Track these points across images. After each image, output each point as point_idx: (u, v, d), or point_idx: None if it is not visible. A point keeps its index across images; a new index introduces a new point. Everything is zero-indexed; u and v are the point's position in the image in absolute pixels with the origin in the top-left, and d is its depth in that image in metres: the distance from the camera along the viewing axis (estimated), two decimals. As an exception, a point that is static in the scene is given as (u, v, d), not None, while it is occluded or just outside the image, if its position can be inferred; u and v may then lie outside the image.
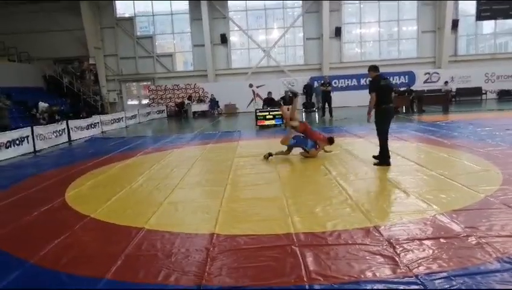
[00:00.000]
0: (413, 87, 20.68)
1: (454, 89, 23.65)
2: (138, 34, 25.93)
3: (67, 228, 4.69)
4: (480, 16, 22.26)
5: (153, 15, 25.79)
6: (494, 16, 22.24)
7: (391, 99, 7.18)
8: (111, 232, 4.58)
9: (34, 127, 11.89)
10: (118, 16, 25.64)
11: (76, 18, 23.52)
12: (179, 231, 4.40)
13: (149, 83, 26.07)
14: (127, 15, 25.89)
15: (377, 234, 4.01)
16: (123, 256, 3.79)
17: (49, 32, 24.06)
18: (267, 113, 14.96)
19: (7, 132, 10.78)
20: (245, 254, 3.74)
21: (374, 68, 7.21)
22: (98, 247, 4.19)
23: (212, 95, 24.44)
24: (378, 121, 7.14)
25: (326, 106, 17.60)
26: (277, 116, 14.78)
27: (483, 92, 24.05)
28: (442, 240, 3.79)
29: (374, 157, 7.36)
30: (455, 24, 24.01)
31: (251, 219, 4.72)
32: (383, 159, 7.15)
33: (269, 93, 17.28)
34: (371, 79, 7.30)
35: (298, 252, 3.69)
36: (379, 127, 7.17)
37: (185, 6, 25.30)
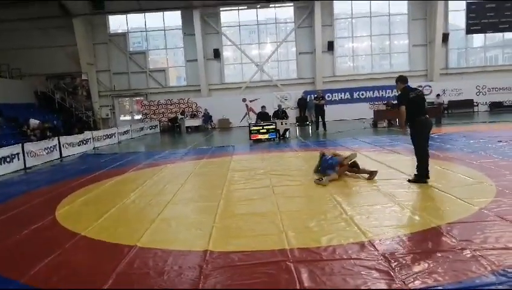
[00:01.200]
0: (406, 100, 20.83)
1: (446, 102, 23.90)
2: (131, 49, 26.03)
3: (57, 246, 4.59)
4: (470, 29, 22.61)
5: (146, 31, 25.94)
6: (483, 29, 22.61)
7: (425, 110, 6.62)
8: (102, 251, 4.50)
9: (25, 144, 11.77)
10: (111, 32, 25.77)
11: (69, 34, 23.64)
12: (172, 248, 4.33)
13: (142, 98, 26.07)
14: (120, 31, 26.03)
15: (372, 248, 3.97)
16: (114, 275, 3.71)
17: (42, 48, 24.10)
18: (261, 127, 14.96)
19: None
20: (239, 270, 3.68)
21: (401, 79, 6.71)
22: (89, 266, 4.11)
23: (205, 109, 24.47)
24: (413, 135, 6.60)
25: (320, 119, 17.67)
26: (271, 131, 14.80)
27: (475, 104, 24.32)
28: (437, 253, 3.76)
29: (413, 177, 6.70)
30: (445, 38, 24.40)
31: (245, 234, 4.66)
32: (419, 176, 6.56)
33: (263, 107, 17.31)
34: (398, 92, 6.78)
35: (293, 268, 3.63)
36: (415, 142, 6.61)
37: (177, 21, 25.51)
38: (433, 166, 7.97)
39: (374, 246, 4.02)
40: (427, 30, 25.01)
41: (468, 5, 22.24)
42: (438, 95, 23.54)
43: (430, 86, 24.46)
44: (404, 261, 3.61)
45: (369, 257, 3.76)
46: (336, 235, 4.42)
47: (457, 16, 24.47)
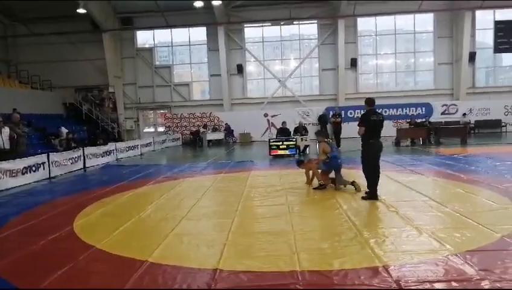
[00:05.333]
0: (431, 119, 20.46)
1: (472, 121, 23.32)
2: (157, 63, 26.63)
3: (71, 258, 4.65)
4: (498, 48, 22.12)
5: (172, 45, 26.49)
6: (511, 48, 22.10)
7: (380, 134, 7.17)
8: (114, 264, 4.53)
9: (50, 154, 12.10)
10: (138, 46, 26.46)
11: (99, 48, 24.41)
12: (182, 265, 4.31)
13: (166, 111, 26.51)
14: (147, 45, 26.71)
15: (385, 274, 3.85)
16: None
17: (72, 61, 25.03)
18: (281, 143, 14.92)
19: (24, 158, 10.97)
20: (247, 292, 3.63)
21: (368, 102, 7.29)
22: (99, 280, 4.13)
23: (226, 123, 24.65)
24: (364, 154, 7.25)
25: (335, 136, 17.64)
26: (290, 147, 14.73)
27: (503, 124, 23.61)
28: (454, 283, 3.61)
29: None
30: (472, 56, 23.93)
31: (256, 254, 4.60)
32: (370, 193, 7.13)
33: (283, 123, 17.32)
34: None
35: (302, 292, 3.56)
36: (364, 161, 7.27)
37: (202, 37, 25.97)
38: (456, 189, 7.79)
39: (388, 271, 3.90)
40: (453, 48, 24.62)
41: (496, 23, 21.79)
42: (464, 114, 23.03)
43: (456, 105, 23.97)
44: (418, 290, 3.49)
45: (382, 284, 3.65)
46: (349, 258, 4.32)
47: (486, 34, 23.98)
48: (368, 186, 7.19)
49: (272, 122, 24.37)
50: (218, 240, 5.14)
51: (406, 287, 3.54)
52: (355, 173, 8.82)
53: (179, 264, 4.34)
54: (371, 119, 7.02)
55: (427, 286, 3.57)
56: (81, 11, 21.42)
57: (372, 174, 7.14)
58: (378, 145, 7.18)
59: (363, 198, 7.15)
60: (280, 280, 3.83)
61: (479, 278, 3.67)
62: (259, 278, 3.90)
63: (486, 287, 3.50)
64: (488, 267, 3.89)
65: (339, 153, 8.63)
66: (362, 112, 7.49)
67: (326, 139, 8.66)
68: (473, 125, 23.22)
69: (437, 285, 3.58)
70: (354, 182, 8.02)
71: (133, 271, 4.16)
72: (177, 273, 4.09)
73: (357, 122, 7.32)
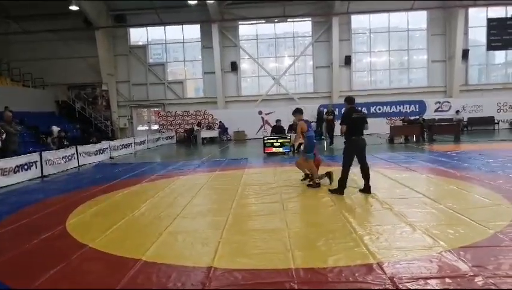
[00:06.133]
0: (424, 116, 20.56)
1: (465, 119, 23.46)
2: (151, 61, 26.48)
3: (64, 257, 4.61)
4: (491, 45, 22.23)
5: (166, 43, 26.35)
6: (504, 46, 22.19)
7: (362, 131, 7.31)
8: (108, 263, 4.49)
9: (43, 153, 12.00)
10: (131, 44, 26.29)
11: (91, 46, 24.22)
12: (177, 264, 4.29)
13: (159, 109, 26.40)
14: (140, 43, 26.54)
15: (379, 271, 3.86)
16: (118, 289, 3.70)
17: (65, 59, 24.80)
18: (275, 140, 14.92)
19: (15, 157, 10.87)
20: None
21: (348, 100, 7.46)
22: (93, 279, 4.09)
23: (220, 121, 24.61)
24: (345, 151, 7.42)
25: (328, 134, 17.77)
26: (285, 144, 14.73)
27: (496, 121, 23.79)
28: (447, 279, 3.62)
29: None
30: (465, 54, 24.05)
31: (251, 252, 4.59)
32: (340, 187, 7.36)
33: (278, 121, 17.31)
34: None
35: (297, 289, 3.55)
36: (345, 157, 7.42)
37: (196, 34, 25.86)
38: (449, 186, 7.83)
39: (382, 268, 3.91)
40: (447, 46, 24.73)
41: (489, 21, 21.91)
42: (458, 112, 23.19)
43: (449, 102, 24.11)
44: (412, 286, 3.50)
45: (376, 281, 3.65)
46: (343, 255, 4.32)
47: (478, 32, 24.11)
48: (339, 181, 7.41)
49: (266, 120, 24.35)
50: (213, 238, 5.12)
51: (400, 284, 3.55)
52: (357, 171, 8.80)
53: (173, 263, 4.32)
54: (353, 117, 7.21)
55: (421, 282, 3.58)
56: (73, 8, 21.23)
57: (347, 170, 7.36)
58: (360, 143, 7.33)
59: (329, 191, 7.48)
60: (275, 278, 3.82)
61: (472, 274, 3.69)
62: (253, 276, 3.88)
63: (480, 283, 3.52)
64: (481, 264, 3.91)
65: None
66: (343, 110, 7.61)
67: (304, 118, 8.57)
68: (465, 122, 23.36)
69: (431, 281, 3.59)
70: (328, 173, 8.31)
71: (127, 270, 4.13)
72: (172, 272, 4.07)
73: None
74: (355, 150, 7.34)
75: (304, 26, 25.86)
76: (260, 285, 3.69)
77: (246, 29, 26.02)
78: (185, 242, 5.09)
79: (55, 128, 18.29)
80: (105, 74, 24.80)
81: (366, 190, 7.36)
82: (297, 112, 8.65)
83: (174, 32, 25.96)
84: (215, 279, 3.85)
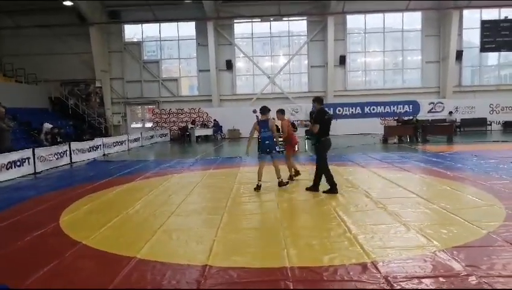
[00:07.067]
0: (418, 117, 20.67)
1: (458, 120, 23.62)
2: (145, 58, 26.32)
3: (57, 254, 4.58)
4: (484, 47, 22.41)
5: (160, 40, 26.23)
6: (498, 48, 22.38)
7: (329, 132, 7.50)
8: (102, 261, 4.47)
9: (36, 149, 11.89)
10: (126, 40, 26.12)
11: (85, 42, 24.03)
12: (171, 262, 4.28)
13: (154, 106, 26.28)
14: (135, 40, 26.36)
15: (374, 270, 3.88)
16: (111, 287, 3.67)
17: (58, 55, 24.53)
18: (270, 139, 14.88)
19: (8, 153, 10.76)
20: (236, 288, 3.62)
21: (318, 100, 7.59)
22: (86, 277, 4.07)
23: (215, 120, 24.56)
24: (319, 151, 7.50)
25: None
26: (279, 143, 14.70)
27: (488, 122, 23.98)
28: (441, 278, 3.65)
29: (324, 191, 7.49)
30: (459, 55, 24.19)
31: (246, 250, 4.60)
32: (332, 187, 7.37)
33: (272, 119, 17.31)
34: (313, 110, 7.70)
35: (292, 288, 3.56)
36: (320, 158, 7.48)
37: (191, 32, 25.76)
38: (442, 186, 7.88)
39: (377, 267, 3.93)
40: (441, 47, 24.86)
41: (483, 23, 22.08)
42: (451, 113, 23.33)
43: (442, 103, 24.26)
44: (406, 286, 3.52)
45: (371, 279, 3.67)
46: (338, 254, 4.33)
47: (472, 33, 24.27)
48: (329, 182, 7.40)
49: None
50: (207, 236, 5.11)
51: (394, 283, 3.57)
52: (352, 170, 8.83)
53: (167, 261, 4.31)
54: (325, 117, 7.36)
55: (415, 281, 3.61)
56: (67, 3, 21.05)
57: (327, 169, 7.41)
58: (330, 142, 7.53)
59: (323, 192, 7.42)
60: (269, 276, 3.83)
61: (466, 273, 3.72)
62: (249, 275, 3.89)
63: (473, 282, 3.55)
64: (474, 263, 3.95)
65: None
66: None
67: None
68: (458, 123, 23.51)
69: (425, 281, 3.62)
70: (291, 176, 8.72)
71: (121, 268, 4.11)
72: (166, 270, 4.06)
73: (312, 121, 7.67)
74: (327, 149, 7.50)
75: (299, 25, 25.87)
76: (255, 283, 3.69)
77: (241, 28, 25.95)
78: (180, 240, 5.07)
79: (47, 125, 18.09)
80: (99, 70, 24.61)
81: (314, 187, 7.55)
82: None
83: (169, 29, 25.82)
84: (210, 277, 3.84)
